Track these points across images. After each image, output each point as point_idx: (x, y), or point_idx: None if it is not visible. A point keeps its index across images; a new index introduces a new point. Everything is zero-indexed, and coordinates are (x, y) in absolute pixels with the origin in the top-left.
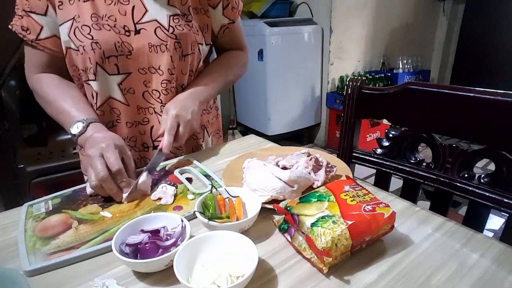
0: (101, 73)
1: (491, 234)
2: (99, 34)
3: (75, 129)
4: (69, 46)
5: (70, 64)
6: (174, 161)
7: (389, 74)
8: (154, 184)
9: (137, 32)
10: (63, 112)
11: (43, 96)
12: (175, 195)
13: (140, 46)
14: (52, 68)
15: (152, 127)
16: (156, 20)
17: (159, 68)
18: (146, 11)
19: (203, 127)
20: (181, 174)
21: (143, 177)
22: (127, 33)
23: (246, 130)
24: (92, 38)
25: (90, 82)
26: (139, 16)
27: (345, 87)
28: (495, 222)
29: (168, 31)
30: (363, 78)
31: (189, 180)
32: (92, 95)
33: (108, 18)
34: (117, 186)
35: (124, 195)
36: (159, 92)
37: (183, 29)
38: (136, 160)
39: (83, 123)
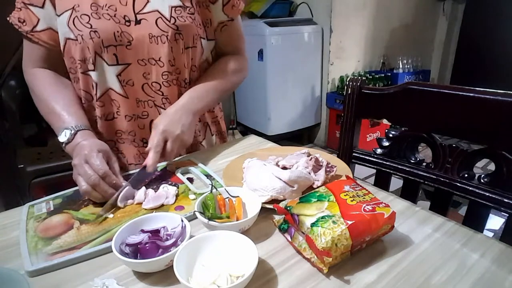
0: (100, 63)
1: (491, 234)
2: (98, 23)
3: (62, 137)
4: (68, 36)
5: (67, 55)
6: (174, 161)
7: (389, 74)
8: (156, 184)
9: (138, 22)
10: (53, 113)
11: (36, 93)
12: (177, 195)
13: (140, 36)
14: (48, 63)
15: (151, 121)
16: (157, 11)
17: (159, 60)
18: (148, 1)
19: (205, 124)
20: (182, 174)
21: (125, 191)
22: (127, 23)
23: (246, 130)
24: (91, 27)
25: (90, 73)
26: (141, 6)
27: (345, 87)
28: (495, 222)
29: (169, 21)
30: (363, 78)
31: (190, 180)
32: (92, 86)
33: (108, 7)
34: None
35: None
36: (160, 84)
37: (185, 21)
38: (135, 156)
39: (71, 130)
